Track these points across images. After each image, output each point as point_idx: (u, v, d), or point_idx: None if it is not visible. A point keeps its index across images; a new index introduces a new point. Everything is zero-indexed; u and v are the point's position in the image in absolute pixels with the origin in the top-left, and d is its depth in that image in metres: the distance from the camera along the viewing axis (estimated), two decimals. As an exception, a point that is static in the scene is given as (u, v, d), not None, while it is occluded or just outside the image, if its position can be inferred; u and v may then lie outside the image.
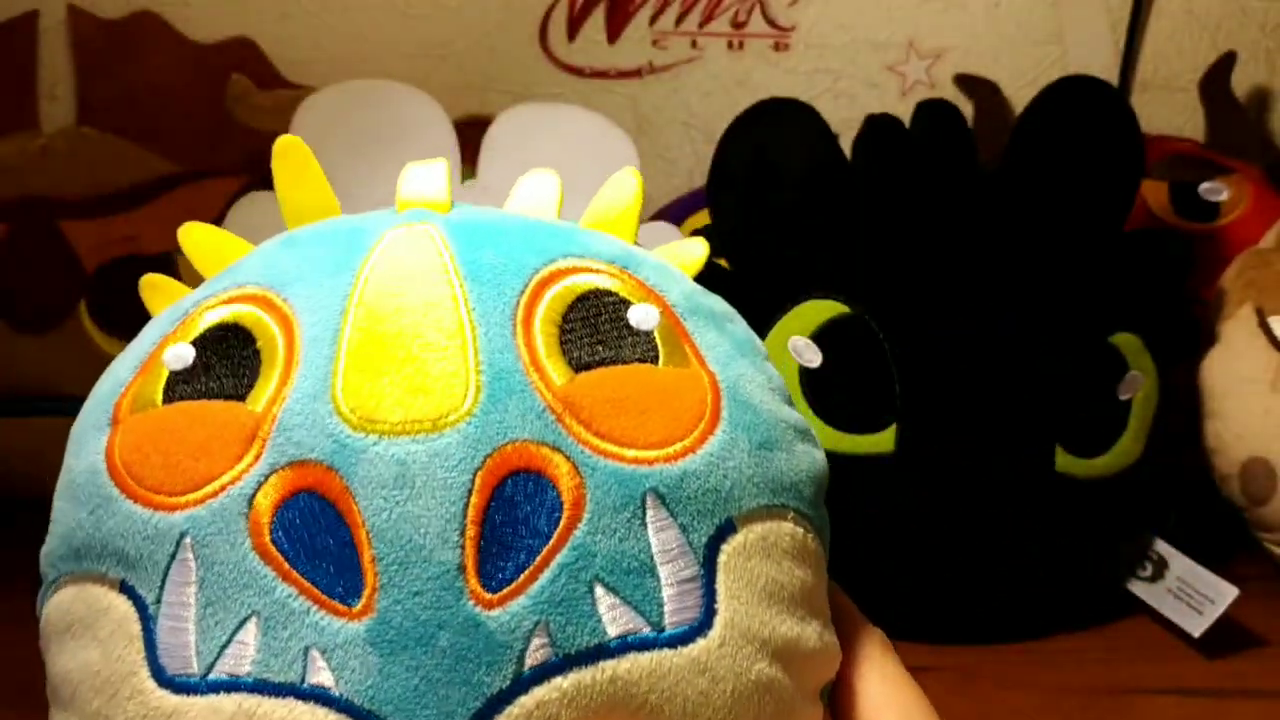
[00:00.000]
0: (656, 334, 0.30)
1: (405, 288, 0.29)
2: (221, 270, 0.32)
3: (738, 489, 0.28)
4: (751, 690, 0.27)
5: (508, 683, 0.25)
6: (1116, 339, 0.54)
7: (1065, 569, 0.54)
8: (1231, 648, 0.52)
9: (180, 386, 0.28)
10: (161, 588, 0.26)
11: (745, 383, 0.30)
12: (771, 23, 0.82)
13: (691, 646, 0.27)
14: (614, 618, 0.26)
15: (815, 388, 0.53)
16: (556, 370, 0.28)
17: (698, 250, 0.35)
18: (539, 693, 0.25)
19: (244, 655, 0.25)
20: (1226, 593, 0.51)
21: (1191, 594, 0.53)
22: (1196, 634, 0.51)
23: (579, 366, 0.29)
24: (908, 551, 0.53)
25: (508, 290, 0.29)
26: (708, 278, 0.64)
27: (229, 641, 0.25)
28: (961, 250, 0.53)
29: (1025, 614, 0.54)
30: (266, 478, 0.26)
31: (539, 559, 0.26)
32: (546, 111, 0.67)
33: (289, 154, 0.33)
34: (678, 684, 0.26)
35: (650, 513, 0.27)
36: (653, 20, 0.82)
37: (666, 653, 0.26)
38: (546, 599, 0.26)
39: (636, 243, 0.34)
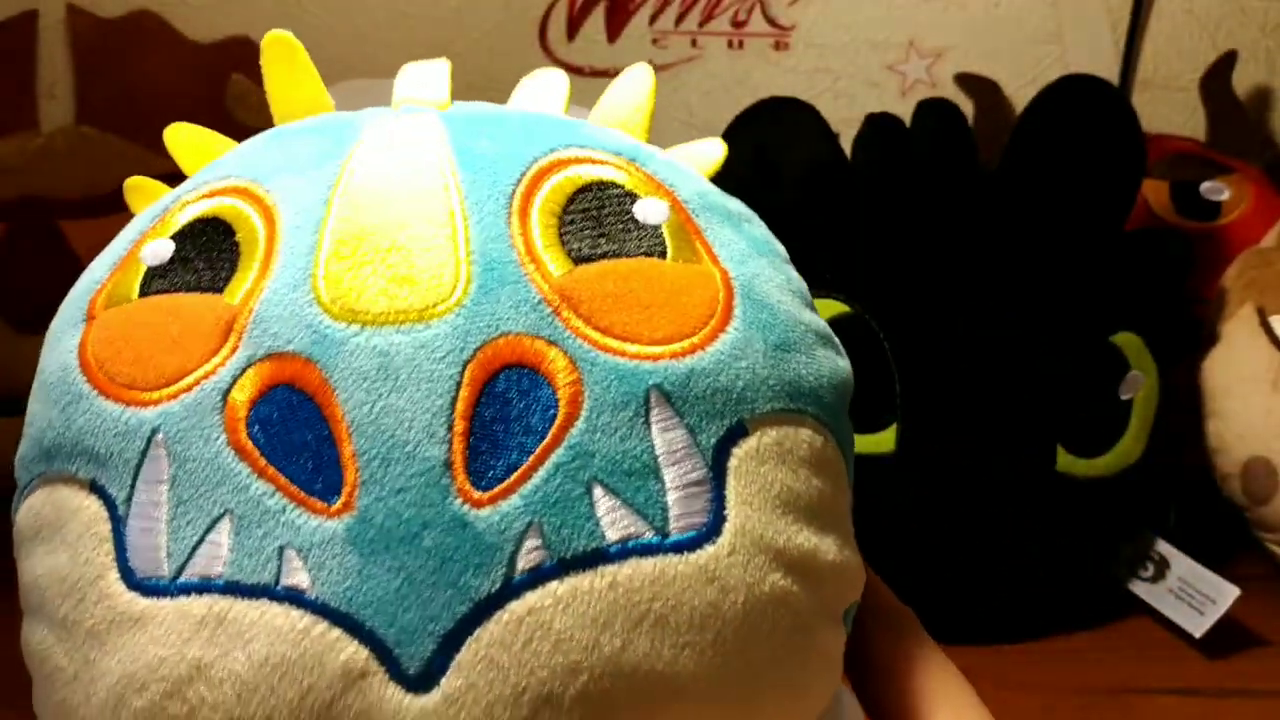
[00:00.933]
0: (665, 229, 0.28)
1: (393, 175, 0.27)
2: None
3: (750, 390, 0.26)
4: (765, 603, 0.25)
5: (497, 586, 0.24)
6: (1117, 339, 0.54)
7: (1065, 569, 0.54)
8: (1233, 648, 0.52)
9: (156, 281, 0.27)
10: (132, 486, 0.25)
11: (762, 281, 0.28)
12: (771, 22, 0.82)
13: (699, 553, 0.25)
14: (614, 520, 0.24)
15: (815, 387, 0.53)
16: (555, 261, 0.26)
17: (716, 151, 0.33)
18: (531, 598, 0.24)
19: (217, 556, 0.24)
20: (1228, 593, 0.51)
21: (1193, 594, 0.52)
22: (1198, 634, 0.51)
23: (579, 259, 0.27)
24: (908, 551, 0.53)
25: (504, 179, 0.27)
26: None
27: (200, 541, 0.24)
28: (962, 250, 0.53)
29: (1025, 614, 0.54)
30: (243, 371, 0.25)
31: (532, 457, 0.24)
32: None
33: (278, 49, 0.31)
34: (684, 592, 0.24)
35: (655, 411, 0.25)
36: (653, 20, 0.82)
37: (672, 559, 0.24)
38: (540, 499, 0.24)
39: (649, 142, 0.32)
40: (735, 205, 0.31)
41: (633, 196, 0.28)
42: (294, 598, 0.24)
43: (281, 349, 0.25)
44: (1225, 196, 0.69)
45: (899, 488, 0.52)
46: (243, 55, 0.78)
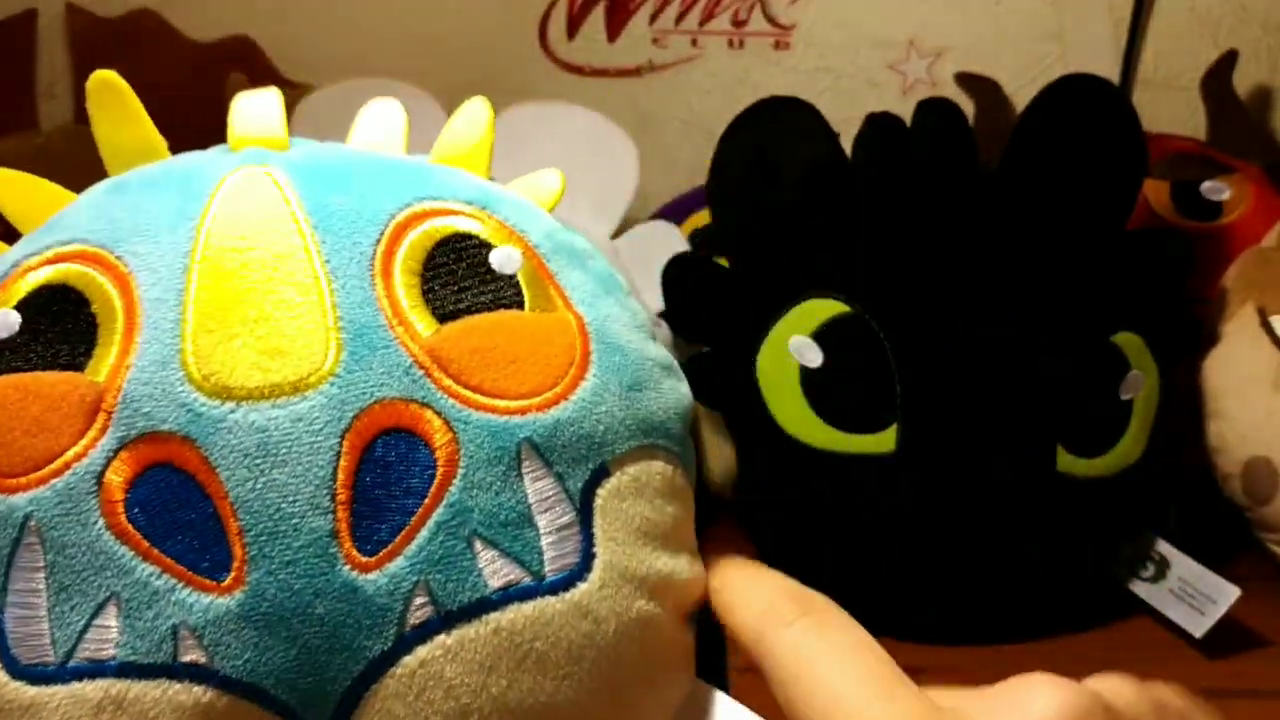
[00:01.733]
0: (520, 277, 0.29)
1: (251, 240, 0.27)
2: (42, 223, 0.29)
3: (610, 433, 0.28)
4: (632, 627, 0.27)
5: (389, 644, 0.25)
6: (1118, 338, 0.54)
7: (1066, 569, 0.54)
8: (1233, 648, 0.52)
9: (6, 357, 0.26)
10: (6, 575, 0.25)
11: (611, 323, 0.30)
12: (772, 21, 0.82)
13: (573, 591, 0.26)
14: (495, 570, 0.26)
15: (815, 387, 0.53)
16: (422, 321, 0.27)
17: (554, 183, 0.33)
18: (422, 651, 0.25)
19: (106, 639, 0.24)
20: (1228, 593, 0.51)
21: (1193, 594, 0.52)
22: (1198, 634, 0.51)
23: (443, 317, 0.27)
24: (908, 551, 0.53)
25: (363, 239, 0.28)
26: (708, 277, 0.64)
27: (87, 626, 0.24)
28: (962, 249, 0.53)
29: (1025, 614, 0.54)
30: (115, 453, 0.25)
31: (414, 519, 0.25)
32: (546, 111, 0.67)
33: (104, 93, 0.30)
34: (562, 629, 0.26)
35: (525, 463, 0.27)
36: (653, 19, 0.82)
37: (549, 600, 0.26)
38: (424, 558, 0.25)
39: (491, 177, 0.32)
40: (580, 242, 0.32)
41: (488, 246, 0.29)
42: (194, 673, 0.24)
43: (156, 428, 0.25)
44: (1226, 196, 0.69)
45: (899, 488, 0.52)
46: (243, 54, 0.78)
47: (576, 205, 0.65)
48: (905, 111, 0.56)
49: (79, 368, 0.26)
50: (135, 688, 0.24)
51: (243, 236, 0.27)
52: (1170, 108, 0.83)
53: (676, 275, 0.58)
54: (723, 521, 0.65)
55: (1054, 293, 0.53)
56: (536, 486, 0.27)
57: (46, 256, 0.28)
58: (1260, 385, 0.57)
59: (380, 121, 0.33)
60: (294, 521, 0.25)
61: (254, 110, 0.31)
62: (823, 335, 0.53)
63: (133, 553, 0.24)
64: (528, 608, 0.26)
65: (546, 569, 0.26)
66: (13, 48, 0.76)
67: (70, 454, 0.25)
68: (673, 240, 0.68)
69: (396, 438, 0.26)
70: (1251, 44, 0.82)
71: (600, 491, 0.27)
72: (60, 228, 0.29)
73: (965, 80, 0.82)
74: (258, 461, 0.25)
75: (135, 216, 0.28)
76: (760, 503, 0.57)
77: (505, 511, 0.26)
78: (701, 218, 0.74)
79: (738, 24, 0.82)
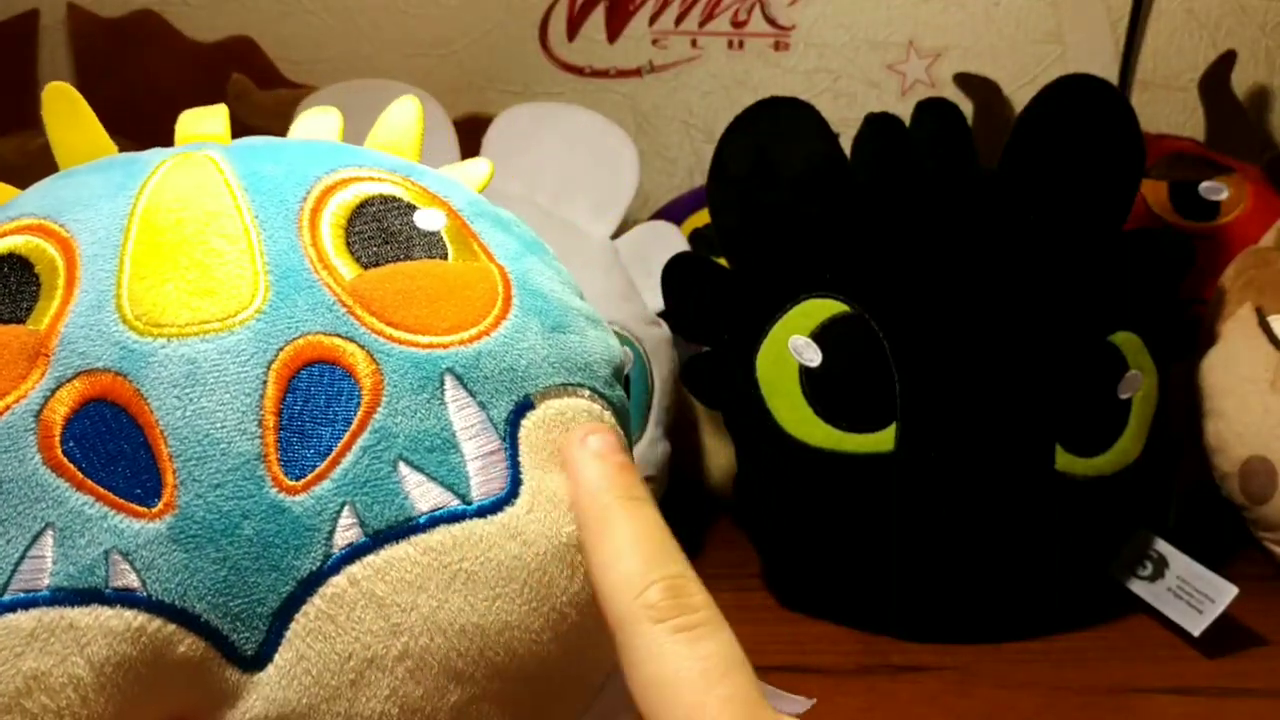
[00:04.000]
0: (444, 234, 0.30)
1: (185, 201, 0.29)
2: None
3: (533, 368, 0.29)
4: (563, 549, 0.28)
5: (318, 564, 0.26)
6: (1116, 338, 0.54)
7: (1064, 568, 0.54)
8: (1231, 647, 0.52)
9: None
10: None
11: (534, 275, 0.31)
12: (771, 22, 0.82)
13: (502, 514, 0.27)
14: (422, 494, 0.27)
15: (815, 387, 0.53)
16: (347, 267, 0.29)
17: (483, 169, 0.35)
18: (351, 570, 0.26)
19: (40, 569, 0.25)
20: (1226, 592, 0.51)
21: (1191, 593, 0.53)
22: (1196, 633, 0.51)
23: (368, 265, 0.29)
24: (908, 551, 0.53)
25: (290, 197, 0.30)
26: (708, 277, 0.64)
27: (22, 558, 0.25)
28: (961, 249, 0.53)
29: (1025, 614, 0.54)
30: (53, 391, 0.26)
31: (340, 444, 0.26)
32: (546, 111, 0.67)
33: (58, 99, 0.33)
34: (490, 549, 0.27)
35: (449, 392, 0.28)
36: (653, 20, 0.82)
37: (477, 522, 0.27)
38: (350, 480, 0.26)
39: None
40: (504, 213, 0.34)
41: (413, 208, 0.31)
42: (125, 598, 0.25)
43: (90, 366, 0.26)
44: (1224, 196, 0.69)
45: (899, 487, 0.52)
46: (243, 55, 0.78)
47: (576, 205, 0.65)
48: (904, 112, 0.56)
49: (20, 321, 0.27)
50: (69, 614, 0.25)
51: (177, 199, 0.29)
52: (1168, 108, 0.83)
53: (676, 275, 0.59)
54: (723, 521, 0.66)
55: (1052, 292, 0.53)
56: (461, 415, 0.28)
57: (2, 230, 0.29)
58: (1258, 385, 0.57)
59: (314, 126, 0.35)
60: (221, 446, 0.26)
61: (198, 116, 0.34)
62: (822, 335, 0.53)
63: (67, 484, 0.25)
64: (456, 529, 0.27)
65: (474, 493, 0.27)
66: (14, 48, 0.76)
67: (11, 397, 0.26)
68: (673, 240, 0.68)
69: (321, 369, 0.27)
70: (1250, 45, 0.83)
71: (525, 423, 0.29)
72: (10, 208, 0.30)
73: (964, 81, 0.82)
74: (186, 390, 0.26)
75: (79, 191, 0.30)
76: (760, 502, 0.57)
77: (430, 438, 0.27)
78: (701, 218, 0.74)
79: (737, 25, 0.82)
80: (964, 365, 0.52)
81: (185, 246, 0.28)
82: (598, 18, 0.82)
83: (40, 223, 0.29)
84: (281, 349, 0.27)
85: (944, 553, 0.53)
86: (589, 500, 0.28)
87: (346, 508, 0.26)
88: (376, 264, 0.29)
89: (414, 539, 0.26)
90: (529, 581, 0.27)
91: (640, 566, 0.26)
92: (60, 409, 0.26)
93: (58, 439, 0.26)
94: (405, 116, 0.35)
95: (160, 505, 0.25)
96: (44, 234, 0.29)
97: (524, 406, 0.29)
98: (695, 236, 0.72)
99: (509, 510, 0.27)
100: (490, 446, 0.28)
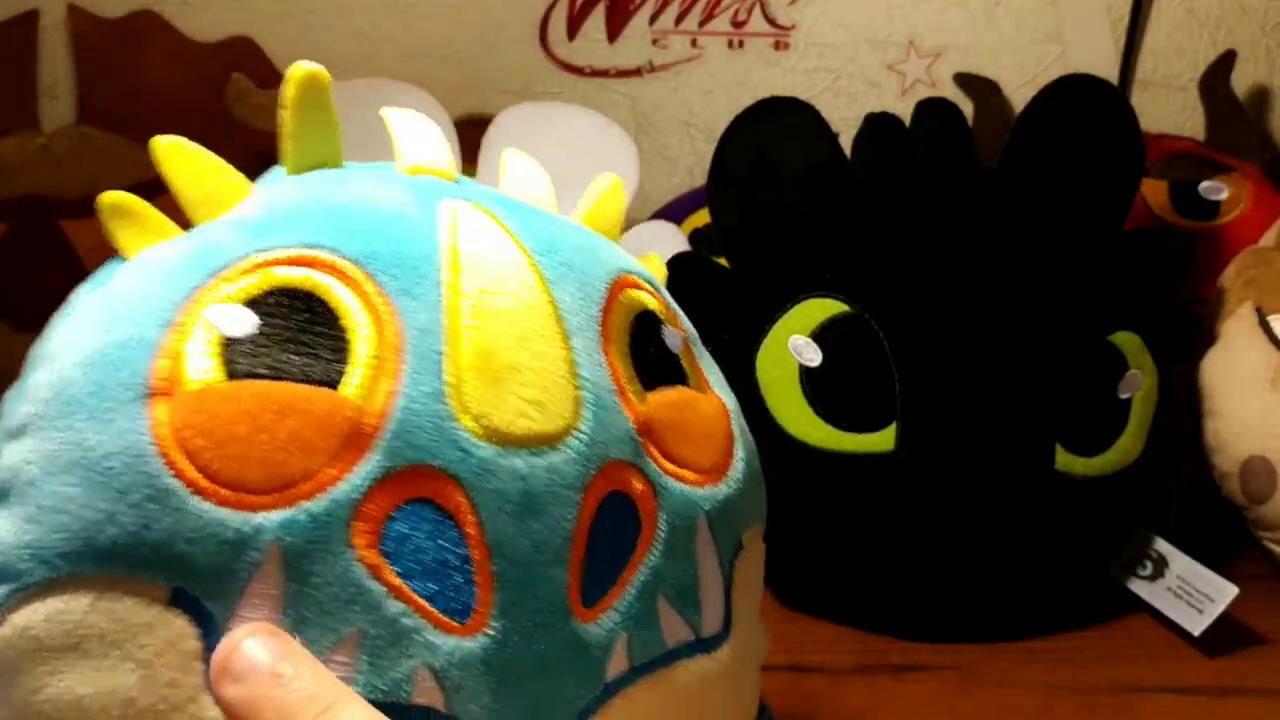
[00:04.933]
0: (682, 358, 0.31)
1: (502, 285, 0.26)
2: (219, 208, 0.27)
3: (748, 508, 0.31)
4: (754, 681, 0.30)
5: (595, 695, 0.26)
6: (1116, 338, 0.54)
7: (1065, 568, 0.54)
8: (1231, 646, 0.52)
9: (244, 360, 0.24)
10: (237, 602, 0.22)
11: (738, 413, 0.33)
12: (771, 22, 0.82)
13: (720, 650, 0.29)
14: (672, 630, 0.28)
15: (815, 387, 0.53)
16: (635, 391, 0.29)
17: (663, 265, 0.36)
18: (615, 704, 0.26)
19: (344, 677, 0.22)
20: (1226, 591, 0.51)
21: (1191, 593, 0.53)
22: (1196, 633, 0.51)
23: (648, 388, 0.29)
24: (908, 551, 0.53)
25: (591, 303, 0.28)
26: (708, 277, 0.64)
27: (325, 662, 0.23)
28: (961, 249, 0.53)
29: (1025, 613, 0.54)
30: (377, 481, 0.23)
31: (621, 576, 0.27)
32: (546, 111, 0.67)
33: (177, 155, 0.27)
34: (713, 684, 0.29)
35: (700, 534, 0.29)
36: (653, 19, 0.82)
37: (702, 658, 0.28)
38: (628, 612, 0.26)
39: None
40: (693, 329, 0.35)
41: (661, 323, 0.31)
42: (426, 717, 0.23)
43: (426, 462, 0.24)
44: (1224, 196, 0.69)
45: (898, 487, 0.52)
46: (243, 55, 0.78)
47: (577, 205, 0.65)
48: (904, 112, 0.57)
49: (330, 383, 0.24)
50: None
51: (493, 280, 0.26)
52: (1168, 108, 0.83)
53: (676, 275, 0.58)
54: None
55: (1052, 292, 0.53)
56: (706, 556, 0.29)
57: (280, 257, 0.25)
58: (1258, 384, 0.57)
59: (529, 183, 0.34)
60: (543, 571, 0.25)
61: (419, 140, 0.31)
62: (822, 335, 0.53)
63: (384, 589, 0.23)
64: (691, 664, 0.28)
65: (704, 630, 0.29)
66: (14, 48, 0.76)
67: (324, 476, 0.23)
68: (673, 240, 0.68)
69: (618, 498, 0.27)
70: (1250, 44, 0.83)
71: (738, 563, 0.30)
72: (284, 227, 0.26)
73: (964, 80, 0.82)
74: (520, 510, 0.25)
75: (367, 228, 0.26)
76: (760, 502, 0.57)
77: (685, 575, 0.28)
78: (701, 218, 0.74)
79: (737, 25, 0.82)
80: (964, 365, 0.52)
81: (513, 345, 0.25)
82: (598, 17, 0.82)
83: (335, 262, 0.25)
84: (593, 474, 0.26)
85: (944, 553, 0.53)
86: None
87: (621, 639, 0.26)
88: (653, 388, 0.29)
89: (659, 673, 0.27)
90: (738, 706, 0.30)
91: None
92: (383, 503, 0.23)
93: (378, 537, 0.23)
94: (613, 194, 0.35)
95: (470, 622, 0.24)
96: (339, 276, 0.25)
97: (738, 547, 0.30)
98: (695, 236, 0.72)
99: (725, 647, 0.29)
100: (717, 586, 0.29)
